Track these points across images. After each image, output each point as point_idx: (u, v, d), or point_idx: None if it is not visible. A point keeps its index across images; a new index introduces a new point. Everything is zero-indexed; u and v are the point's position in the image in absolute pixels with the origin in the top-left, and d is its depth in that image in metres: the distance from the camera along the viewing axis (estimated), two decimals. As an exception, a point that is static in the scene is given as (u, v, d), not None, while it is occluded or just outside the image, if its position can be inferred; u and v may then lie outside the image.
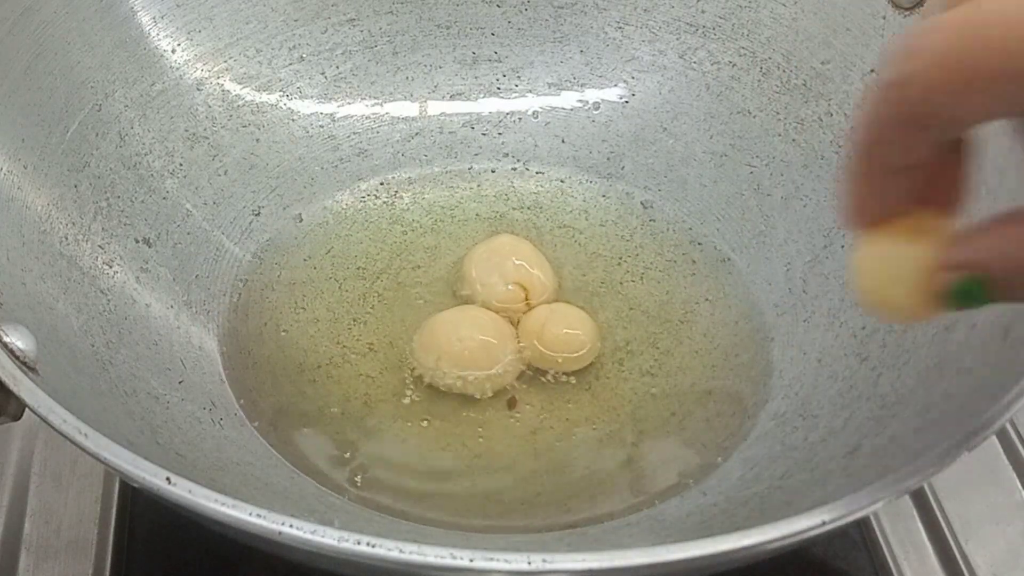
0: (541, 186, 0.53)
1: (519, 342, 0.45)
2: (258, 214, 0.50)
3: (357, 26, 0.54)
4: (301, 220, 0.51)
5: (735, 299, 0.48)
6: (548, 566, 0.27)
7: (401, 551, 0.27)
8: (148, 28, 0.49)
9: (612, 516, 0.40)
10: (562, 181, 0.53)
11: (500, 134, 0.54)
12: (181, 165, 0.49)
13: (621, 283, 0.49)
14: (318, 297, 0.48)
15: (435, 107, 0.54)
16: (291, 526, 0.28)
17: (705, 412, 0.44)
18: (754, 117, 0.51)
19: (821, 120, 0.49)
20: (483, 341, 0.45)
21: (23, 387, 0.32)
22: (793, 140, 0.50)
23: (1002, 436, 0.47)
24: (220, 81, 0.51)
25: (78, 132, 0.45)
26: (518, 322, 0.46)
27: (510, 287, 0.47)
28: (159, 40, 0.50)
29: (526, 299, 0.47)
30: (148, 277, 0.45)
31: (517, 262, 0.48)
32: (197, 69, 0.50)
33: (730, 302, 0.48)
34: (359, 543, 0.27)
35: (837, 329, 0.44)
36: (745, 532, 0.28)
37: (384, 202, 0.52)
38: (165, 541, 0.43)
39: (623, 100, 0.54)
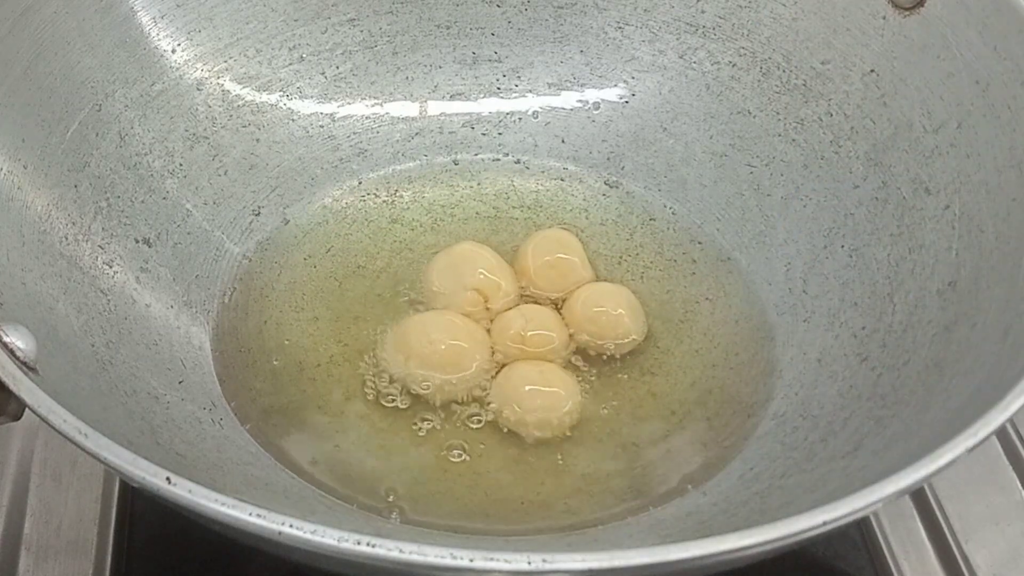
0: (541, 185, 0.53)
1: (493, 347, 0.45)
2: (258, 214, 0.50)
3: (357, 26, 0.54)
4: (301, 219, 0.51)
5: (735, 298, 0.48)
6: (548, 566, 0.27)
7: (401, 551, 0.27)
8: (148, 28, 0.49)
9: (612, 516, 0.40)
10: (562, 180, 0.53)
11: (500, 134, 0.54)
12: (181, 165, 0.49)
13: (621, 282, 0.49)
14: (318, 296, 0.48)
15: (435, 107, 0.54)
16: (291, 526, 0.28)
17: (705, 412, 0.44)
18: (754, 117, 0.51)
19: (821, 120, 0.49)
20: (454, 345, 0.44)
21: (23, 387, 0.32)
22: (793, 140, 0.50)
23: (1002, 436, 0.47)
24: (220, 81, 0.51)
25: (78, 132, 0.45)
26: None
27: (469, 293, 0.47)
28: (159, 40, 0.50)
29: (486, 304, 0.47)
30: (148, 277, 0.45)
31: (477, 270, 0.47)
32: (197, 69, 0.50)
33: (730, 301, 0.48)
34: (359, 543, 0.27)
35: (837, 329, 0.44)
36: (745, 532, 0.28)
37: (384, 201, 0.52)
38: (165, 541, 0.43)
39: (623, 100, 0.54)
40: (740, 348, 0.46)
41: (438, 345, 0.44)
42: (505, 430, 0.43)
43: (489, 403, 0.43)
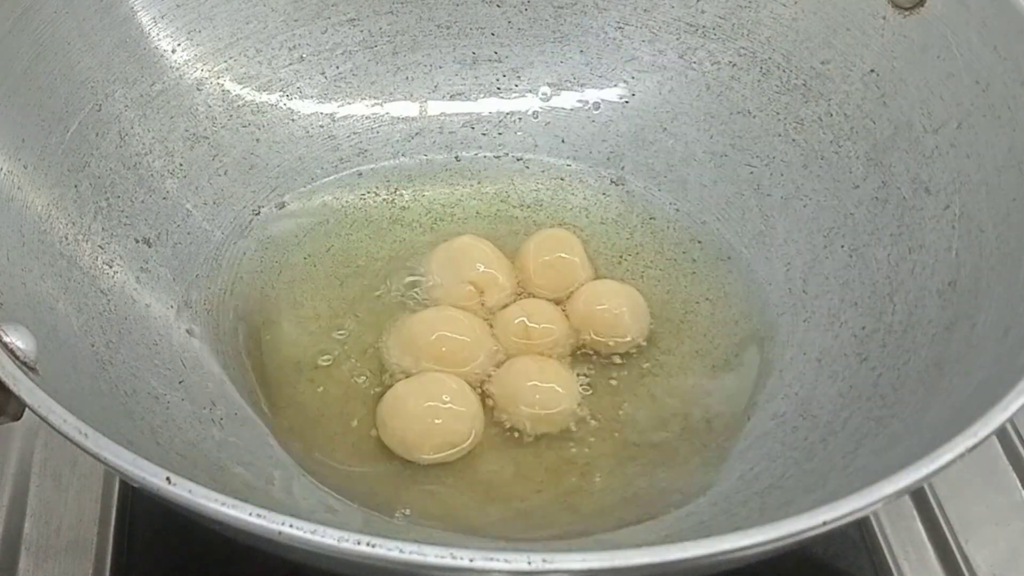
0: (541, 184, 0.53)
1: (495, 342, 0.45)
2: (258, 214, 0.50)
3: (357, 26, 0.54)
4: (301, 219, 0.51)
5: (735, 299, 0.48)
6: (548, 566, 0.27)
7: (401, 551, 0.27)
8: (148, 28, 0.49)
9: (612, 517, 0.40)
10: (562, 180, 0.53)
11: (500, 134, 0.54)
12: (181, 165, 0.49)
13: (621, 281, 0.49)
14: (318, 295, 0.48)
15: (435, 107, 0.54)
16: (291, 526, 0.28)
17: (705, 412, 0.44)
18: (754, 117, 0.51)
19: (821, 120, 0.49)
20: (458, 340, 0.45)
21: (23, 387, 0.32)
22: (793, 140, 0.50)
23: (1002, 436, 0.47)
24: (220, 81, 0.51)
25: (78, 132, 0.45)
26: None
27: (466, 286, 0.47)
28: (159, 40, 0.50)
29: (482, 298, 0.47)
30: (148, 277, 0.45)
31: (475, 263, 0.48)
32: (197, 69, 0.50)
33: (730, 302, 0.48)
34: (359, 543, 0.27)
35: (837, 329, 0.44)
36: (745, 532, 0.28)
37: (384, 200, 0.52)
38: (165, 541, 0.43)
39: (623, 100, 0.54)
40: (740, 348, 0.46)
41: (438, 344, 0.44)
42: (507, 426, 0.43)
43: (490, 399, 0.44)
